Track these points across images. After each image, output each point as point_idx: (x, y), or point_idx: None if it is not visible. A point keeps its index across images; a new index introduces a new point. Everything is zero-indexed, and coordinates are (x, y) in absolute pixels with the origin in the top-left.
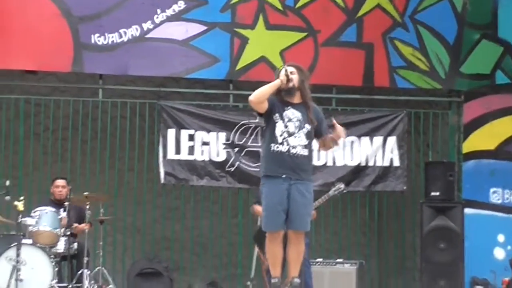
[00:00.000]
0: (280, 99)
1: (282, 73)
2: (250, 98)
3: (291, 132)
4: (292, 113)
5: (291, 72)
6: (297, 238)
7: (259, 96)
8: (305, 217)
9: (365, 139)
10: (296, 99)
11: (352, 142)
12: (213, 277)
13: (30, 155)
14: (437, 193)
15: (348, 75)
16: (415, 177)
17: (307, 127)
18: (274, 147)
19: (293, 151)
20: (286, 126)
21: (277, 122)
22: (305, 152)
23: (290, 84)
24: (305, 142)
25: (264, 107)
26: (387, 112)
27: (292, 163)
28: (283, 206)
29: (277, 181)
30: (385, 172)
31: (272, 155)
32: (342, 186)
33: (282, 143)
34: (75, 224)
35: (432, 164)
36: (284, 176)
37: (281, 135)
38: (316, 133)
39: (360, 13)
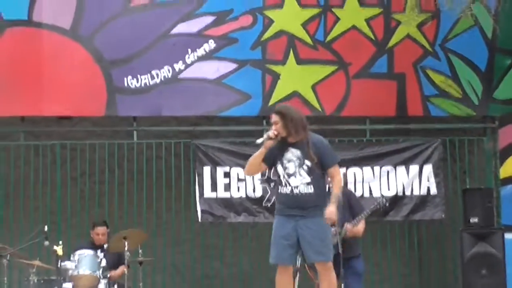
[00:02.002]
0: (277, 147)
1: (265, 137)
2: (244, 172)
3: (291, 173)
4: (291, 154)
5: (274, 123)
6: (322, 270)
7: (250, 169)
8: (317, 247)
9: (401, 169)
10: (293, 138)
11: (387, 172)
12: None
13: (67, 200)
14: (476, 220)
15: (381, 105)
16: (453, 204)
17: (307, 163)
18: (280, 190)
19: (296, 191)
20: (285, 168)
21: (277, 166)
22: (309, 189)
23: (278, 138)
24: (308, 179)
25: (263, 168)
26: (422, 141)
27: (297, 203)
28: (289, 241)
29: (283, 219)
30: (423, 200)
31: (279, 197)
32: (381, 198)
33: (285, 185)
34: (112, 272)
35: (470, 191)
36: (290, 214)
37: (283, 178)
38: (322, 167)
39: (390, 44)
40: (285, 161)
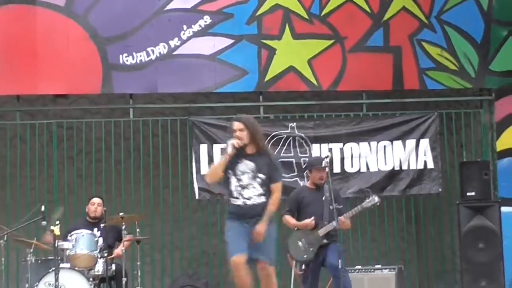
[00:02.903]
0: (236, 155)
1: (229, 145)
2: (206, 179)
3: (245, 185)
4: (245, 166)
5: (240, 130)
6: (263, 270)
7: (212, 176)
8: (263, 249)
9: (398, 143)
10: (250, 149)
11: (384, 147)
12: None
13: (64, 179)
14: (473, 193)
15: (377, 79)
16: (450, 178)
17: (261, 176)
18: (232, 201)
19: (248, 202)
20: (239, 180)
21: (230, 178)
22: (261, 199)
23: (241, 144)
24: (261, 190)
25: (222, 175)
26: (419, 114)
27: (249, 214)
28: (245, 238)
29: (237, 223)
30: (420, 175)
31: (232, 207)
32: (376, 199)
33: (237, 197)
34: (115, 251)
35: (467, 164)
36: (243, 222)
37: (235, 189)
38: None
39: (386, 17)
40: (239, 173)
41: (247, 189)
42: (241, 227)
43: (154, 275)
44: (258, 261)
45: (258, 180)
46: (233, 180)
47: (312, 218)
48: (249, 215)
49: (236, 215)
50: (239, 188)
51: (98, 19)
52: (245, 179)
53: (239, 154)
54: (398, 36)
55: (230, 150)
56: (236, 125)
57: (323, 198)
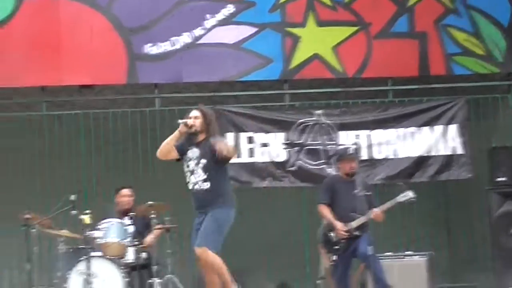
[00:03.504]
0: (187, 142)
1: (182, 122)
2: (157, 153)
3: (191, 170)
4: (193, 153)
5: (195, 117)
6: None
7: (162, 150)
8: (201, 234)
9: (426, 129)
10: (200, 138)
11: (412, 133)
12: (283, 277)
13: (92, 169)
14: (504, 178)
15: (403, 66)
16: (479, 164)
17: (203, 161)
18: (188, 187)
19: (196, 187)
20: (188, 166)
21: (183, 165)
22: (206, 185)
23: (192, 129)
24: (204, 176)
25: (174, 155)
26: (446, 100)
27: (198, 199)
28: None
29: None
30: (449, 161)
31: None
32: (410, 194)
33: (188, 183)
34: (146, 239)
35: (497, 150)
36: (200, 212)
37: (186, 176)
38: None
39: (411, 2)
40: (187, 159)
41: (193, 174)
42: (198, 221)
43: (184, 263)
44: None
45: (201, 165)
46: (184, 167)
47: (345, 229)
48: (198, 202)
49: (193, 203)
50: (188, 174)
51: (122, 9)
52: (192, 165)
53: (190, 141)
54: (424, 21)
55: (180, 127)
56: (193, 112)
57: (355, 191)
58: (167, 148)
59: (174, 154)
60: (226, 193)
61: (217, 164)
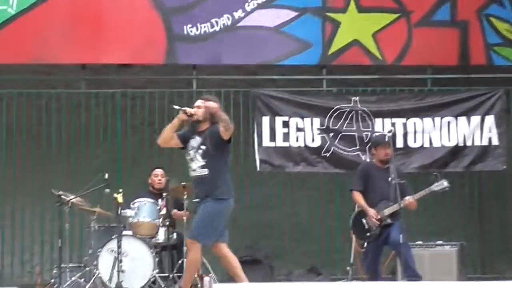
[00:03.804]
0: (191, 131)
1: (182, 109)
2: (158, 141)
3: (192, 157)
4: (195, 141)
5: (198, 107)
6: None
7: (163, 137)
8: (194, 225)
9: (462, 119)
10: (203, 127)
11: (448, 123)
12: (313, 262)
13: (128, 148)
14: None
15: (443, 54)
16: None
17: (203, 147)
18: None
19: (194, 174)
20: (189, 155)
21: (186, 153)
22: (204, 171)
23: (194, 118)
24: (202, 162)
25: (175, 143)
26: (484, 90)
27: (197, 185)
28: None
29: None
30: (484, 151)
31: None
32: (445, 183)
33: (189, 169)
34: (174, 210)
35: None
36: (196, 200)
37: (189, 164)
38: (219, 137)
39: None
40: (189, 147)
41: (193, 161)
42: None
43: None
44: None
45: (200, 151)
46: (187, 155)
47: (378, 217)
48: (198, 187)
49: (194, 189)
50: (189, 161)
51: None
52: (192, 153)
53: (193, 130)
54: (466, 10)
55: (180, 115)
56: (198, 101)
57: (389, 179)
58: (167, 135)
59: (176, 142)
60: (224, 183)
61: (216, 146)
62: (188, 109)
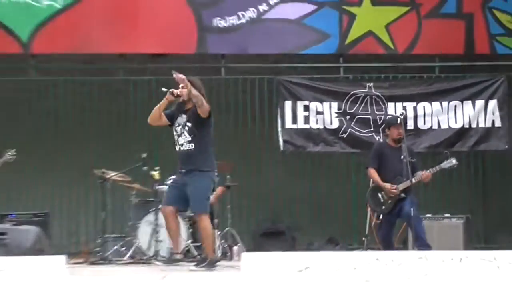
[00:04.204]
0: (177, 110)
1: (169, 91)
2: (148, 119)
3: (179, 133)
4: (181, 119)
5: (182, 87)
6: (198, 220)
7: (152, 117)
8: (193, 201)
9: (468, 103)
10: (188, 105)
11: (455, 106)
12: (331, 234)
13: (163, 130)
14: None
15: (450, 44)
16: None
17: (189, 124)
18: (176, 148)
19: (182, 148)
20: (176, 131)
21: (172, 129)
22: (190, 146)
23: (180, 99)
24: (189, 138)
25: (164, 121)
26: (488, 77)
27: (182, 158)
28: (177, 189)
29: (177, 176)
30: (488, 132)
31: (177, 155)
32: (454, 161)
33: (176, 144)
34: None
35: None
36: (182, 171)
37: (175, 138)
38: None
39: None
40: (176, 124)
41: (180, 137)
42: (177, 179)
43: (242, 218)
44: (189, 213)
45: (187, 128)
46: (174, 130)
47: (395, 187)
48: (182, 161)
49: (179, 162)
50: (176, 137)
51: None
52: (179, 129)
53: (180, 108)
54: (471, 3)
55: (168, 96)
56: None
57: (401, 157)
58: (155, 115)
59: (165, 120)
60: (208, 157)
61: (199, 124)
62: (175, 91)
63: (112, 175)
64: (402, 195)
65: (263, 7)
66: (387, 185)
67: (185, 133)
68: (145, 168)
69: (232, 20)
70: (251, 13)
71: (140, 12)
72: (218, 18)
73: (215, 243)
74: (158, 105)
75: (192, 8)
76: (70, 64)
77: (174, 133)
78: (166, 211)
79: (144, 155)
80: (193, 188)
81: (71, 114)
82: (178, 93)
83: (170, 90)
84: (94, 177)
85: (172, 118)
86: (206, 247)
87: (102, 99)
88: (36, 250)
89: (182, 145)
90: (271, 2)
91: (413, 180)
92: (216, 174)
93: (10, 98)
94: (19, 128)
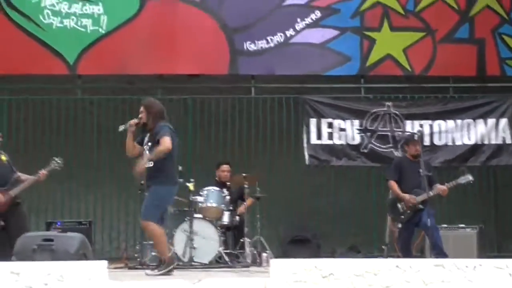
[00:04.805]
0: (143, 131)
1: (127, 124)
2: (127, 154)
3: (145, 153)
4: (147, 138)
5: (141, 112)
6: (143, 225)
7: (127, 150)
8: (143, 209)
9: (480, 121)
10: (150, 126)
11: (468, 124)
12: (353, 242)
13: (197, 145)
14: None
15: (463, 66)
16: None
17: (149, 144)
18: None
19: (148, 165)
20: (145, 149)
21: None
22: (150, 164)
23: (141, 123)
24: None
25: (139, 150)
26: (499, 97)
27: (146, 174)
28: None
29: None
30: (499, 149)
31: None
32: (470, 177)
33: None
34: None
35: None
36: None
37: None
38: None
39: (471, 13)
40: (145, 143)
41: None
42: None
43: (271, 227)
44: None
45: (147, 147)
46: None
47: (414, 198)
48: (145, 177)
49: None
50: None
51: (227, 12)
52: (146, 149)
53: (145, 129)
54: (482, 29)
55: (129, 127)
56: (141, 110)
57: (420, 170)
58: (129, 147)
59: (139, 148)
60: (167, 172)
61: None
62: (133, 121)
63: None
64: (420, 206)
65: (290, 32)
66: (407, 196)
67: (147, 151)
68: (181, 180)
69: (261, 44)
70: (278, 38)
71: (177, 36)
72: (249, 42)
73: (166, 244)
74: (127, 138)
75: (225, 33)
76: (112, 84)
77: (145, 151)
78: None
79: (180, 168)
80: (146, 198)
81: (112, 130)
82: (137, 120)
83: (129, 122)
84: (134, 188)
85: (142, 143)
86: (158, 250)
87: None
88: (80, 255)
89: (146, 163)
90: (297, 28)
91: (431, 193)
92: (175, 187)
93: (57, 115)
94: (66, 143)
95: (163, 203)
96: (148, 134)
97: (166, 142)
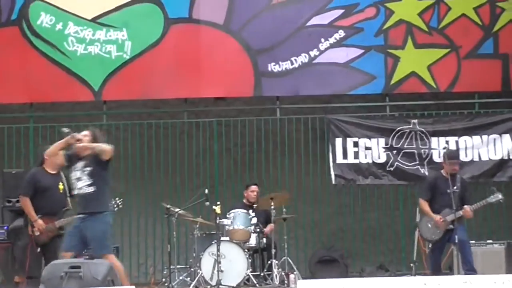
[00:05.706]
0: (76, 155)
1: (71, 133)
2: (46, 151)
3: (78, 177)
4: (80, 164)
5: (85, 135)
6: (109, 259)
7: (50, 151)
8: (98, 244)
9: (506, 136)
10: (86, 152)
11: (494, 139)
12: (381, 261)
13: (224, 167)
14: None
15: (488, 82)
16: None
17: (88, 169)
18: (75, 193)
19: (81, 192)
20: (75, 175)
21: (71, 173)
22: (91, 189)
23: (77, 144)
24: (89, 181)
25: (61, 160)
26: None
27: (81, 202)
28: (75, 236)
29: (76, 220)
30: None
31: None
32: (500, 196)
33: (75, 189)
34: (265, 229)
35: None
36: (80, 216)
37: (74, 183)
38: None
39: (495, 28)
40: (75, 169)
41: (80, 181)
42: (76, 225)
43: (298, 248)
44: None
45: (86, 172)
46: (72, 175)
47: (442, 219)
48: (81, 204)
49: (77, 205)
50: (75, 181)
51: (251, 34)
52: (78, 173)
53: (78, 157)
54: (506, 44)
55: (69, 138)
56: (85, 132)
57: (454, 188)
58: (53, 150)
59: (61, 159)
60: (104, 199)
61: (100, 167)
62: (77, 135)
63: (178, 210)
64: (451, 226)
65: (314, 53)
66: (437, 217)
67: (84, 177)
68: (207, 203)
69: (285, 65)
70: (303, 58)
71: (202, 59)
72: (273, 63)
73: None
74: (58, 142)
75: (249, 55)
76: (138, 109)
77: (73, 177)
78: (66, 257)
79: (206, 190)
80: (92, 233)
81: (138, 154)
82: (79, 137)
83: (73, 134)
84: (160, 212)
85: (69, 161)
86: (124, 284)
87: (168, 140)
88: (107, 282)
89: (81, 188)
90: (321, 48)
91: (457, 215)
92: (112, 213)
93: None
94: None
95: (108, 231)
96: (80, 161)
97: (110, 149)
